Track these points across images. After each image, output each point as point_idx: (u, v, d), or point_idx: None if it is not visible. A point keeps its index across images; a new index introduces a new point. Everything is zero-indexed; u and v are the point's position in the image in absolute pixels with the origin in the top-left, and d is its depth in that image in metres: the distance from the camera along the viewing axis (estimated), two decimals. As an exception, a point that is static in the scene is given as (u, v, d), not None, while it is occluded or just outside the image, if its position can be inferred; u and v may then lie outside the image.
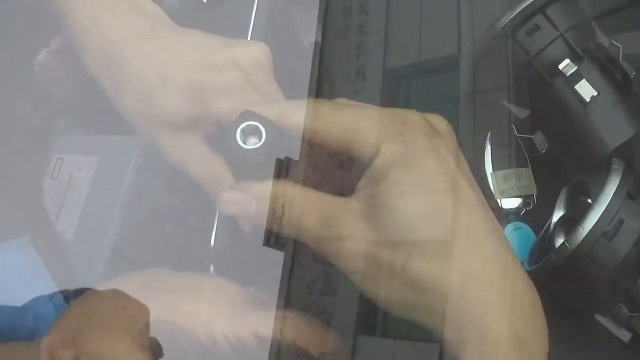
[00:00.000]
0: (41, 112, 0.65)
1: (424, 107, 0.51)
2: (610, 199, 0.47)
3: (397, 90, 0.56)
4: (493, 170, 0.53)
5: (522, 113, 0.52)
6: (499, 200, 0.53)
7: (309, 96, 0.52)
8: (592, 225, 0.47)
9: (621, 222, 0.48)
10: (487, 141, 0.54)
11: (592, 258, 0.48)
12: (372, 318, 0.50)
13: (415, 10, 0.55)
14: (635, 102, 0.51)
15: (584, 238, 0.47)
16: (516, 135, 0.53)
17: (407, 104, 0.56)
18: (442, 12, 0.54)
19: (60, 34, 0.66)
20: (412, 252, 0.38)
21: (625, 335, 0.50)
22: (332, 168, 0.46)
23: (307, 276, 0.49)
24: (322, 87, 0.53)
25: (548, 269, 0.50)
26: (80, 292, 0.48)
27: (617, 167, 0.48)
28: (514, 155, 0.54)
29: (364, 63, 0.55)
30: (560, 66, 0.51)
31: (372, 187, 0.39)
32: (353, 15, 0.56)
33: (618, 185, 0.48)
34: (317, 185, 0.44)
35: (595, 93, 0.50)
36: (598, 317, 0.50)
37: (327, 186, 0.45)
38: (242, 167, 0.44)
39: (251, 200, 0.43)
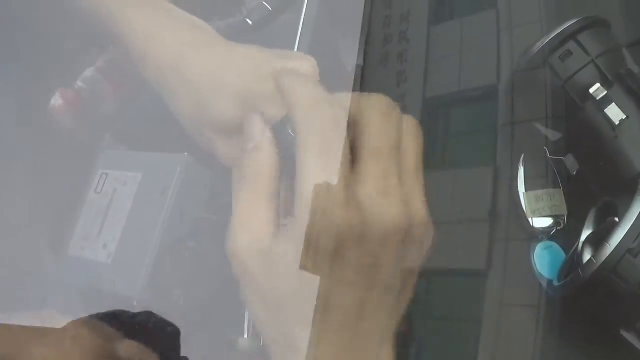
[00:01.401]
0: (87, 129, 0.67)
1: (463, 136, 0.52)
2: (637, 217, 0.48)
3: (437, 119, 0.57)
4: (526, 190, 0.55)
5: (555, 136, 0.54)
6: (530, 220, 0.54)
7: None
8: (618, 241, 0.48)
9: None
10: (521, 163, 0.56)
11: (617, 273, 0.49)
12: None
13: (456, 40, 0.56)
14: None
15: (610, 254, 0.48)
16: (548, 157, 0.55)
17: (446, 133, 0.57)
18: (482, 42, 0.55)
19: (106, 53, 0.69)
20: None
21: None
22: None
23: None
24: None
25: (576, 285, 0.51)
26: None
27: (646, 187, 0.50)
28: (547, 177, 0.55)
29: (405, 92, 0.57)
30: (591, 90, 0.53)
31: None
32: (393, 42, 0.58)
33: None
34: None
35: (625, 117, 0.51)
36: (624, 332, 0.51)
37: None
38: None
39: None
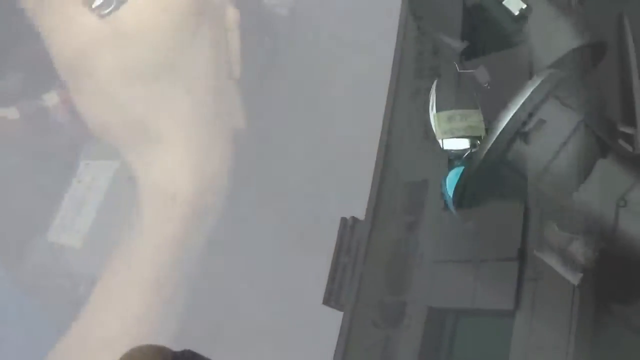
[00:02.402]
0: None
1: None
2: (528, 96, 0.41)
3: None
4: (437, 111, 0.49)
5: (461, 45, 0.48)
6: (440, 141, 0.48)
7: (378, 152, 0.53)
8: (504, 124, 0.41)
9: (542, 122, 0.41)
10: (433, 87, 0.50)
11: (508, 163, 0.41)
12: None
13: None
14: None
15: (495, 139, 0.41)
16: (458, 72, 0.48)
17: None
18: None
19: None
20: None
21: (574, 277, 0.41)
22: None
23: (366, 340, 0.48)
24: (390, 145, 0.54)
25: (464, 182, 0.43)
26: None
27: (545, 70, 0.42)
28: (460, 95, 0.49)
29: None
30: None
31: None
32: (424, 78, 0.57)
33: (539, 83, 0.42)
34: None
35: (524, 5, 0.45)
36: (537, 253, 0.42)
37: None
38: None
39: None
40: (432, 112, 0.48)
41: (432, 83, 0.50)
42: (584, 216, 0.41)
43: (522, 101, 0.41)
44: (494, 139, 0.41)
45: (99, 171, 0.69)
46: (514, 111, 0.41)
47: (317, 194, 0.68)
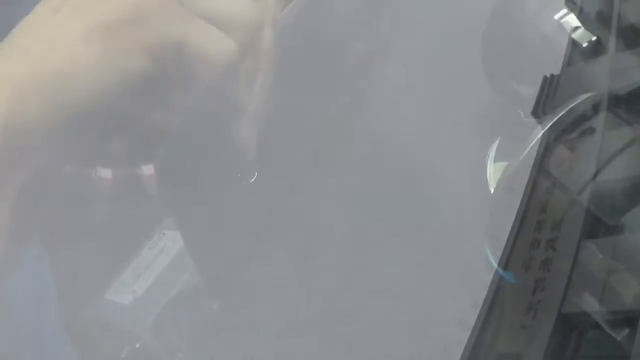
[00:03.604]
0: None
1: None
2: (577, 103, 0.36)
3: (568, 337, 0.51)
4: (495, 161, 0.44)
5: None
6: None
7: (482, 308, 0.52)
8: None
9: (592, 131, 0.36)
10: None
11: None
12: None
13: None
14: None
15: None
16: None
17: (576, 355, 0.49)
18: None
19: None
20: None
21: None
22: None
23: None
24: (493, 310, 0.53)
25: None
26: None
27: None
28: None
29: (539, 300, 0.53)
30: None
31: None
32: (540, 249, 0.56)
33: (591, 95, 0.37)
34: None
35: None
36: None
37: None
38: None
39: None
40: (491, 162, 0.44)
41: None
42: (633, 244, 0.34)
43: (570, 107, 0.37)
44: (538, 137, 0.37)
45: (171, 241, 0.69)
46: (560, 114, 0.37)
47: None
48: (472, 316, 0.45)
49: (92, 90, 0.36)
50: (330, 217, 0.67)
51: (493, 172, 0.43)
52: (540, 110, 0.44)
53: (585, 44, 0.42)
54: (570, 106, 0.39)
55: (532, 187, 0.46)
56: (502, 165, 0.43)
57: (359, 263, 0.64)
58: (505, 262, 0.48)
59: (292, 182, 0.69)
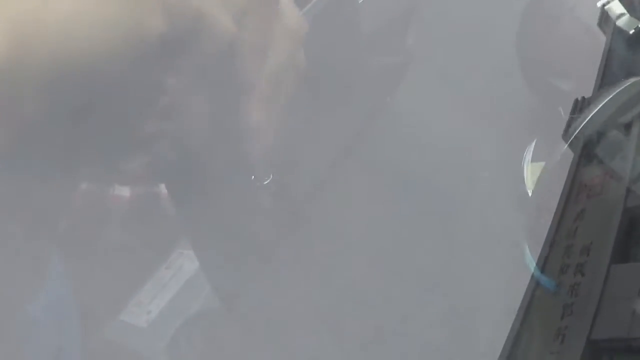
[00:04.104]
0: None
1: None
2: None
3: None
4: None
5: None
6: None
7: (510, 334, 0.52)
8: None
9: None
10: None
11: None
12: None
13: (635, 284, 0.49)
14: None
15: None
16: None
17: None
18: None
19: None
20: None
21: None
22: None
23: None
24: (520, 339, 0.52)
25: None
26: None
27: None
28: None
29: (567, 326, 0.53)
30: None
31: None
32: (568, 274, 0.55)
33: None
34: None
35: None
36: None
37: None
38: None
39: None
40: (527, 161, 0.44)
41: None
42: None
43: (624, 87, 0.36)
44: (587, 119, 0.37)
45: (189, 261, 0.68)
46: (614, 94, 0.36)
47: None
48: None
49: (101, 44, 0.33)
50: (358, 232, 0.66)
51: (530, 173, 0.43)
52: (570, 133, 0.44)
53: (631, 32, 0.41)
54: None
55: (562, 211, 0.45)
56: (539, 165, 0.43)
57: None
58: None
59: (312, 187, 0.69)
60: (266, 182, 0.49)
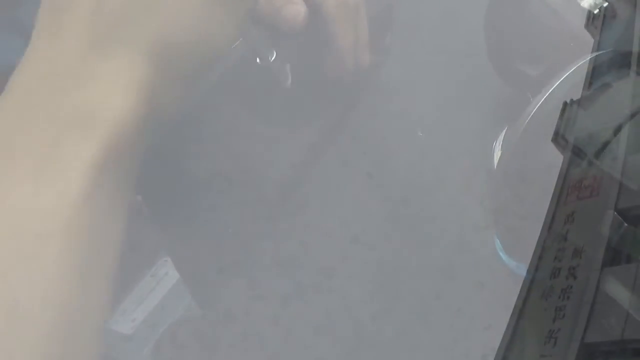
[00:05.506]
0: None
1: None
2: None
3: None
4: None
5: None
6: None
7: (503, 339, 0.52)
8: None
9: (607, 86, 0.36)
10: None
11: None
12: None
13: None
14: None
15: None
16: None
17: None
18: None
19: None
20: None
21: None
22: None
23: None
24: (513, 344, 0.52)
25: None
26: None
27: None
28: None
29: (559, 328, 0.52)
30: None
31: None
32: (560, 277, 0.55)
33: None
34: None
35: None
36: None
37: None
38: None
39: None
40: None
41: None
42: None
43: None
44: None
45: (174, 268, 0.68)
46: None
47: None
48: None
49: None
50: (341, 226, 0.67)
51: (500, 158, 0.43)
52: (560, 138, 0.44)
53: (595, 12, 0.41)
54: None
55: (553, 215, 0.45)
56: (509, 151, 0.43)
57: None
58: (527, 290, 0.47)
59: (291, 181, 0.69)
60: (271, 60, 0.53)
